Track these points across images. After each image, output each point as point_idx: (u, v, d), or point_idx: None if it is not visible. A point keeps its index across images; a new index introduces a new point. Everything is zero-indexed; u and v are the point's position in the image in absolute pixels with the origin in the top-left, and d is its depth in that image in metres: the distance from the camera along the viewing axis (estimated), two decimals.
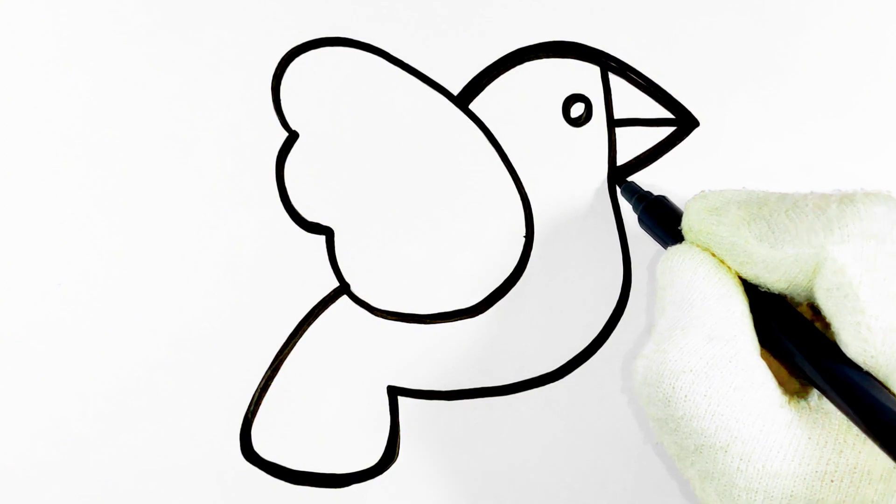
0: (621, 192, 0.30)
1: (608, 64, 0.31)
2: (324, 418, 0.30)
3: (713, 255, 0.24)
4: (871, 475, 0.21)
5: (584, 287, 0.30)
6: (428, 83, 0.31)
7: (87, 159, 0.31)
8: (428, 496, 0.30)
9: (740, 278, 0.23)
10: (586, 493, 0.30)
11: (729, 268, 0.23)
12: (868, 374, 0.21)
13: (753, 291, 0.23)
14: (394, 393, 0.30)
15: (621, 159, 0.31)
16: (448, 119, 0.31)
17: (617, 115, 0.31)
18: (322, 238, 0.31)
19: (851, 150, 0.30)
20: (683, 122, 0.31)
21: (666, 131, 0.31)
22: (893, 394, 0.20)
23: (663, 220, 0.27)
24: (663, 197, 0.28)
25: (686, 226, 0.24)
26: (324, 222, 0.31)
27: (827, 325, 0.22)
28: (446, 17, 0.31)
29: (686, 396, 0.21)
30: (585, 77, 0.31)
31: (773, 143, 0.31)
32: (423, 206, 0.31)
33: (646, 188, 0.29)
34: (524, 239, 0.31)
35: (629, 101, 0.31)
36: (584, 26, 0.31)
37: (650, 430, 0.30)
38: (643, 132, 0.31)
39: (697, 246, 0.24)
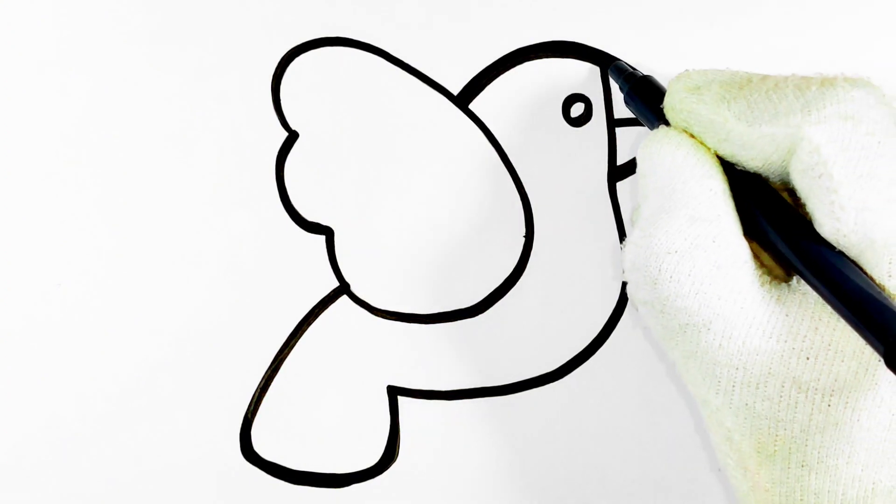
0: (609, 71, 0.30)
1: (608, 64, 0.31)
2: (324, 418, 0.30)
3: (692, 136, 0.24)
4: (844, 352, 0.21)
5: (584, 287, 0.30)
6: (428, 83, 0.31)
7: (88, 159, 0.31)
8: (428, 496, 0.30)
9: (718, 158, 0.24)
10: (586, 493, 0.30)
11: (708, 148, 0.24)
12: (841, 254, 0.21)
13: (731, 171, 0.24)
14: (394, 393, 0.30)
15: (621, 159, 0.31)
16: (448, 119, 0.31)
17: (617, 115, 0.31)
18: (322, 238, 0.31)
19: None
20: None
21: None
22: (865, 272, 0.21)
23: (649, 100, 0.27)
24: (650, 76, 0.28)
25: (668, 104, 0.24)
26: (324, 222, 0.31)
27: (802, 207, 0.23)
28: (446, 17, 0.31)
29: (671, 277, 0.22)
30: (585, 77, 0.31)
31: None
32: (423, 206, 0.31)
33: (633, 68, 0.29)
34: (524, 239, 0.31)
35: None
36: (584, 26, 0.31)
37: (639, 422, 0.30)
38: (643, 132, 0.31)
39: (677, 128, 0.24)
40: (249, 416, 0.30)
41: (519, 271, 0.30)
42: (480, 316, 0.30)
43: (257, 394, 0.30)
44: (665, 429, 0.30)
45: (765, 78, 0.23)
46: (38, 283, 0.31)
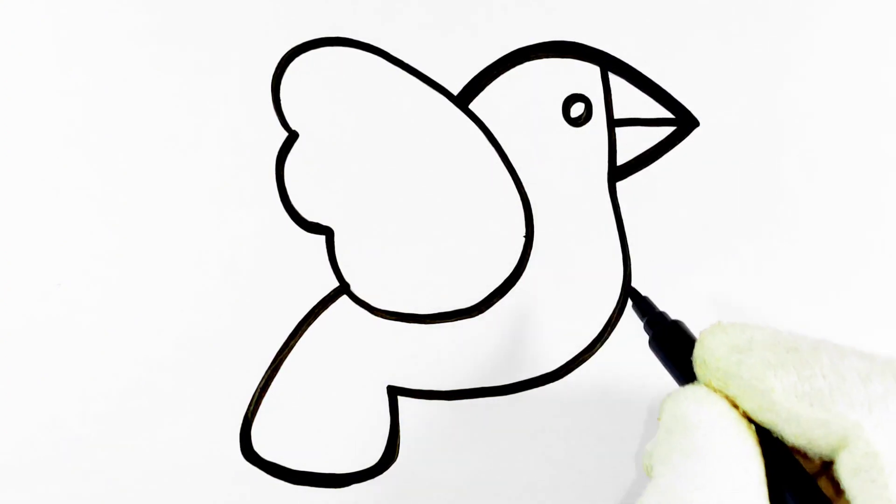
0: (632, 306, 0.28)
1: (608, 64, 0.31)
2: (324, 418, 0.30)
3: (728, 398, 0.22)
4: None
5: (584, 287, 0.30)
6: (428, 83, 0.31)
7: (88, 159, 0.31)
8: (428, 496, 0.30)
9: (752, 422, 0.22)
10: (586, 493, 0.30)
11: (748, 423, 0.22)
12: None
13: (766, 438, 0.22)
14: (394, 393, 0.30)
15: (621, 159, 0.31)
16: (448, 119, 0.31)
17: (617, 115, 0.31)
18: (322, 238, 0.31)
19: (852, 149, 0.30)
20: (683, 122, 0.31)
21: (666, 131, 0.31)
22: None
23: (677, 351, 0.25)
24: (679, 322, 0.26)
25: (700, 359, 0.23)
26: (324, 222, 0.31)
27: (841, 497, 0.21)
28: (446, 17, 0.31)
29: None
30: (585, 77, 0.31)
31: (772, 142, 0.31)
32: (423, 206, 0.31)
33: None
34: (524, 239, 0.31)
35: (629, 101, 0.31)
36: (584, 26, 0.31)
37: (639, 422, 0.30)
38: (643, 132, 0.31)
39: (713, 388, 0.22)
40: (249, 416, 0.30)
41: (519, 271, 0.30)
42: (480, 316, 0.30)
43: (257, 394, 0.30)
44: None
45: (817, 348, 0.22)
46: (38, 283, 0.31)
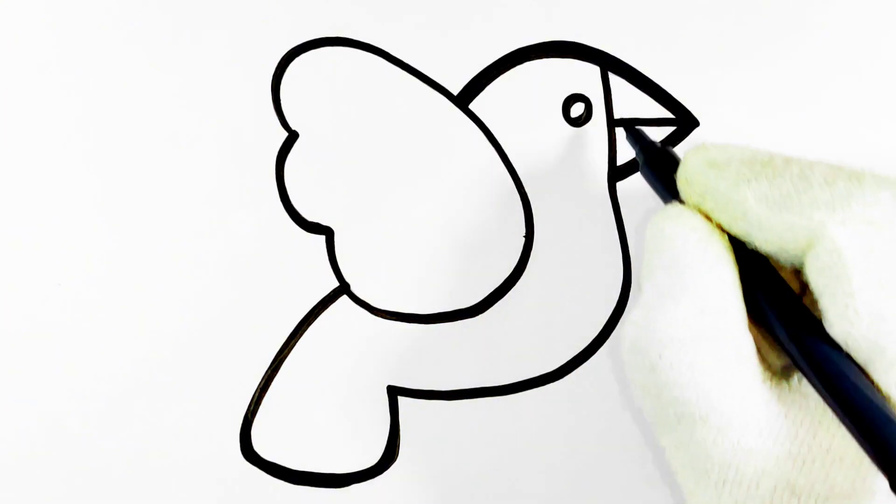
0: (626, 137, 0.29)
1: (608, 64, 0.31)
2: (324, 418, 0.30)
3: (704, 213, 0.23)
4: (842, 460, 0.21)
5: (584, 287, 0.30)
6: (428, 83, 0.31)
7: (88, 159, 0.31)
8: (428, 496, 0.30)
9: (729, 236, 0.23)
10: (586, 493, 0.30)
11: (722, 232, 0.23)
12: (848, 357, 0.21)
13: (741, 252, 0.23)
14: (394, 393, 0.30)
15: (621, 159, 0.31)
16: (448, 119, 0.31)
17: (617, 115, 0.31)
18: (322, 238, 0.31)
19: (852, 149, 0.30)
20: (683, 122, 0.31)
21: (666, 131, 0.31)
22: (871, 380, 0.20)
23: (664, 173, 0.26)
24: (668, 148, 0.27)
25: (682, 176, 0.24)
26: (324, 222, 0.31)
27: (809, 296, 0.22)
28: (446, 17, 0.31)
29: (671, 365, 0.21)
30: (585, 77, 0.31)
31: (773, 142, 0.31)
32: (423, 206, 0.31)
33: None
34: (524, 239, 0.31)
35: (629, 101, 0.31)
36: (584, 26, 0.31)
37: (639, 422, 0.30)
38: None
39: (690, 206, 0.24)
40: (249, 416, 0.30)
41: (519, 271, 0.30)
42: (480, 316, 0.30)
43: (257, 394, 0.30)
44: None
45: (788, 161, 0.22)
46: (38, 283, 0.31)
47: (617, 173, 0.31)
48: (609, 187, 0.31)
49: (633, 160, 0.31)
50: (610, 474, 0.30)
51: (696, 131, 0.31)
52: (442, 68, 0.31)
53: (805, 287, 0.23)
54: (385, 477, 0.30)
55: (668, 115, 0.31)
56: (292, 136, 0.31)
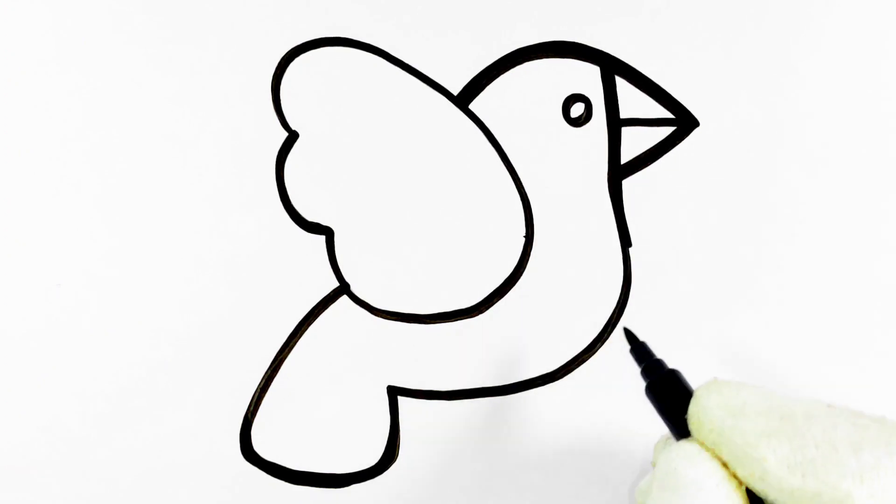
0: (630, 351, 0.27)
1: (608, 64, 0.31)
2: (324, 418, 0.30)
3: (720, 460, 0.22)
4: None
5: (584, 287, 0.30)
6: (428, 83, 0.31)
7: (88, 159, 0.31)
8: (428, 496, 0.30)
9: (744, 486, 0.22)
10: (586, 493, 0.30)
11: (738, 482, 0.22)
12: None
13: (756, 499, 0.22)
14: (394, 393, 0.30)
15: (622, 159, 0.31)
16: (448, 119, 0.31)
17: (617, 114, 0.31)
18: (322, 238, 0.31)
19: (852, 149, 0.30)
20: (683, 122, 0.31)
21: (666, 131, 0.31)
22: None
23: (672, 403, 0.25)
24: (677, 371, 0.26)
25: (694, 418, 0.23)
26: (324, 222, 0.31)
27: None
28: (446, 17, 0.31)
29: None
30: (585, 77, 0.31)
31: (772, 142, 0.31)
32: (423, 206, 0.31)
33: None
34: (524, 239, 0.31)
35: (629, 100, 0.31)
36: (585, 26, 0.31)
37: (638, 422, 0.30)
38: (643, 132, 0.31)
39: (705, 447, 0.23)
40: (249, 416, 0.30)
41: (519, 271, 0.30)
42: (480, 316, 0.30)
43: (257, 394, 0.30)
44: (665, 428, 0.30)
45: (809, 417, 0.22)
46: (38, 283, 0.31)
47: (617, 173, 0.31)
48: (609, 187, 0.31)
49: (634, 160, 0.31)
50: (610, 474, 0.30)
51: (696, 131, 0.31)
52: (442, 68, 0.31)
53: None
54: (385, 477, 0.30)
55: (668, 115, 0.31)
56: (292, 136, 0.31)
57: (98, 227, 0.31)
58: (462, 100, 0.31)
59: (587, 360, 0.30)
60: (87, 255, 0.31)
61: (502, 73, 0.31)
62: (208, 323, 0.30)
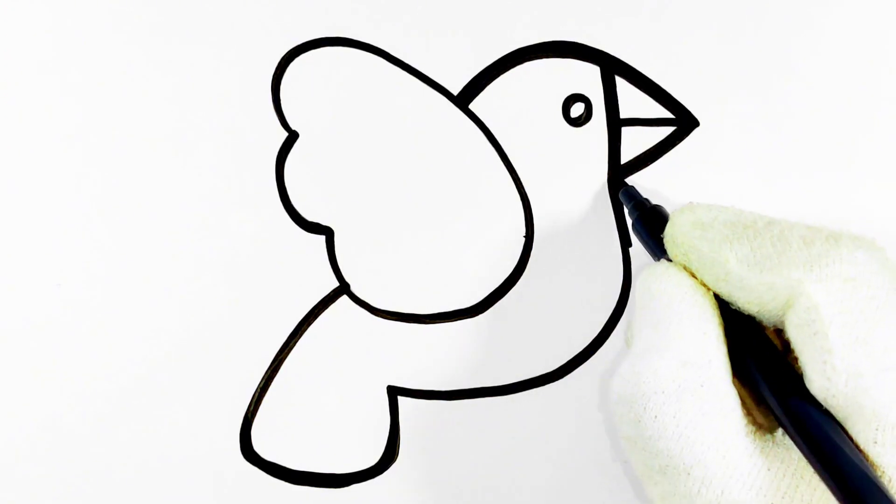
0: (620, 195, 0.30)
1: (608, 64, 0.31)
2: (324, 418, 0.30)
3: (690, 272, 0.24)
4: None
5: (584, 287, 0.30)
6: (428, 83, 0.31)
7: (87, 159, 0.31)
8: (428, 496, 0.30)
9: (716, 297, 0.24)
10: (586, 493, 0.30)
11: (706, 289, 0.24)
12: (828, 414, 0.21)
13: (727, 311, 0.24)
14: (394, 393, 0.30)
15: (622, 159, 0.31)
16: (448, 119, 0.31)
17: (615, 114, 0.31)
18: (322, 238, 0.31)
19: (852, 149, 0.30)
20: (683, 122, 0.31)
21: (666, 131, 0.31)
22: (849, 436, 0.21)
23: (654, 231, 0.27)
24: (660, 206, 0.28)
25: (669, 236, 0.25)
26: (324, 222, 0.31)
27: (792, 353, 0.23)
28: (446, 17, 0.31)
29: (656, 417, 0.22)
30: (585, 77, 0.31)
31: (772, 143, 0.31)
32: (423, 206, 0.31)
33: (646, 193, 0.29)
34: (524, 239, 0.31)
35: (629, 101, 0.31)
36: (584, 26, 0.31)
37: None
38: (643, 132, 0.31)
39: (676, 263, 0.24)
40: (249, 416, 0.30)
41: (519, 271, 0.30)
42: (480, 316, 0.30)
43: (257, 394, 0.30)
44: None
45: (770, 223, 0.23)
46: (38, 283, 0.31)
47: (617, 173, 0.31)
48: (609, 187, 0.31)
49: (634, 160, 0.31)
50: (609, 474, 0.30)
51: (696, 131, 0.31)
52: (442, 68, 0.31)
53: (788, 345, 0.23)
54: (385, 477, 0.30)
55: (668, 115, 0.31)
56: (292, 137, 0.31)
57: (98, 226, 0.31)
58: (462, 100, 0.31)
59: (587, 360, 0.30)
60: (87, 255, 0.31)
61: (502, 73, 0.31)
62: (208, 323, 0.30)
